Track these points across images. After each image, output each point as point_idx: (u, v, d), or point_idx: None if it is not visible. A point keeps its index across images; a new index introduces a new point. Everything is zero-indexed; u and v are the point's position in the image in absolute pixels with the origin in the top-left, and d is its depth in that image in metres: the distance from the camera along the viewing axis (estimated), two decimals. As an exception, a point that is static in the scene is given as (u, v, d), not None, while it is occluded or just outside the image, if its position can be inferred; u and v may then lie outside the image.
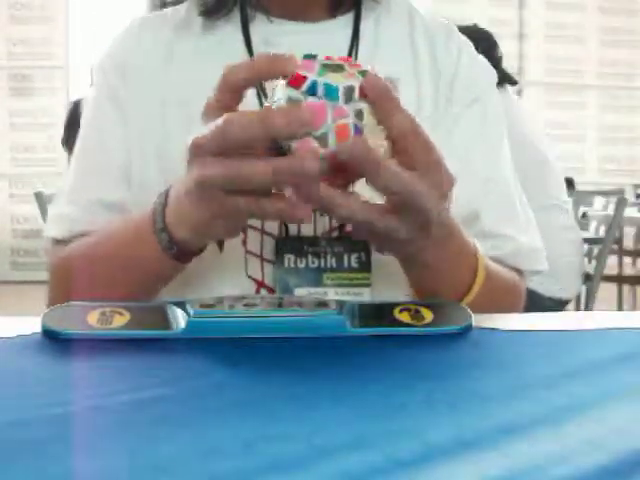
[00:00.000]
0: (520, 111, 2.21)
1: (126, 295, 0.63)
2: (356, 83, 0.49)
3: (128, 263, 0.63)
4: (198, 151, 0.50)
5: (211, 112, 0.51)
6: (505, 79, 2.22)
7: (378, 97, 0.49)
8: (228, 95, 0.51)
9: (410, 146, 0.50)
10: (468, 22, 2.19)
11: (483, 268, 0.63)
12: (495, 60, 2.20)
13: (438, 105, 0.73)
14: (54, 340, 0.44)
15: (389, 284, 0.69)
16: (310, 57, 0.51)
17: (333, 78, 0.49)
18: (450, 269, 0.60)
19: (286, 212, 0.49)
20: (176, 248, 0.58)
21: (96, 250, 0.68)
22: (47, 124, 5.39)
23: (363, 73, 0.49)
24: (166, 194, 0.58)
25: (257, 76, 0.51)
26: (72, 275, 0.69)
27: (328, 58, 0.51)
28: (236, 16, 0.74)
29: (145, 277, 0.63)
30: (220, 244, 0.68)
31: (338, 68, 0.50)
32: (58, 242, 0.74)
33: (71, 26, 5.42)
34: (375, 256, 0.68)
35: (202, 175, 0.50)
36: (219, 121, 0.48)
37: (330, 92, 0.48)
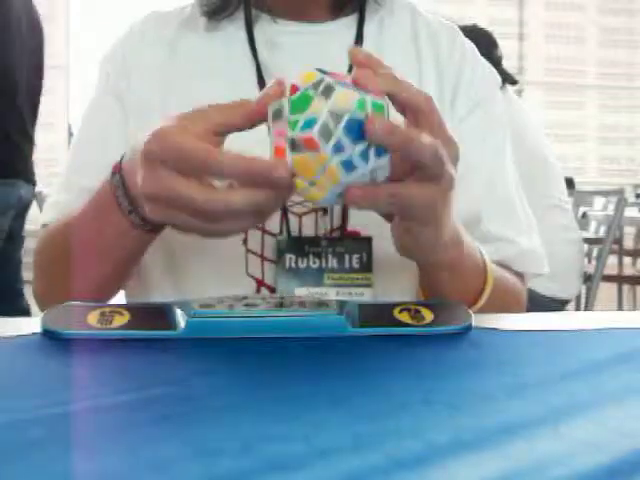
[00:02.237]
0: (520, 111, 2.21)
1: (101, 276, 0.63)
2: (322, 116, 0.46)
3: (100, 236, 0.61)
4: (151, 159, 0.48)
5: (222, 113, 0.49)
6: (505, 79, 2.22)
7: (390, 86, 0.48)
8: (247, 124, 0.49)
9: (424, 122, 0.48)
10: (468, 22, 2.19)
11: (491, 274, 0.63)
12: (495, 60, 2.20)
13: (442, 108, 0.73)
14: (54, 340, 0.44)
15: (390, 284, 0.69)
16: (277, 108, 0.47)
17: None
18: (464, 272, 0.60)
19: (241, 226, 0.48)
20: (149, 226, 0.56)
21: (67, 226, 0.66)
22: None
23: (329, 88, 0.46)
24: (120, 175, 0.55)
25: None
26: (50, 253, 0.69)
27: (293, 89, 0.47)
28: (240, 16, 0.74)
29: (119, 248, 0.61)
30: None
31: (303, 101, 0.46)
32: (44, 227, 0.74)
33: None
34: (376, 256, 0.68)
35: (151, 191, 0.48)
36: (206, 154, 0.46)
37: (309, 145, 0.45)
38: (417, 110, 0.48)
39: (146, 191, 0.49)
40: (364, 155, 0.46)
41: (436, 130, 0.48)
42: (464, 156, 0.65)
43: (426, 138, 0.46)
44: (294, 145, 0.45)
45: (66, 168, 0.76)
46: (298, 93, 0.46)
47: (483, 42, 2.19)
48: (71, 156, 0.77)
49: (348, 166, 0.45)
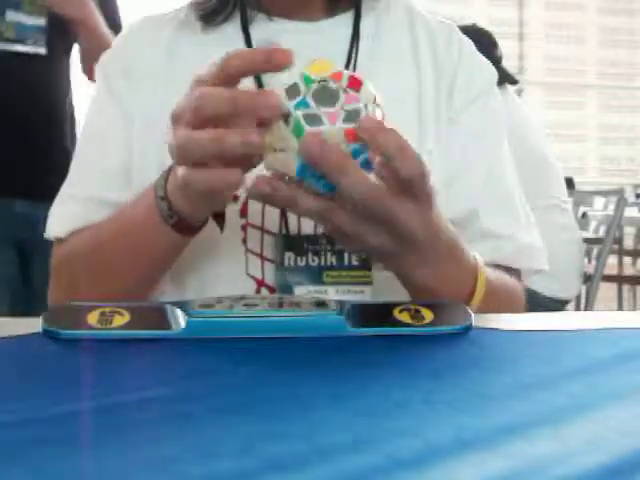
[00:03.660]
0: (520, 111, 2.21)
1: (133, 282, 0.65)
2: (330, 129, 0.48)
3: (131, 240, 0.63)
4: (174, 122, 0.52)
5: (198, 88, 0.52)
6: (505, 79, 2.22)
7: (372, 138, 0.48)
8: (221, 81, 0.51)
9: (397, 162, 0.49)
10: (468, 22, 2.19)
11: (483, 281, 0.62)
12: (495, 60, 2.20)
13: (439, 104, 0.73)
14: (54, 340, 0.44)
15: (390, 282, 0.69)
16: (310, 80, 0.49)
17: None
18: (448, 288, 0.59)
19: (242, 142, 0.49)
20: (176, 218, 0.58)
21: (100, 235, 0.68)
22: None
23: (353, 114, 0.48)
24: (170, 167, 0.59)
25: (253, 67, 0.51)
26: (77, 267, 0.69)
27: (337, 76, 0.49)
28: (236, 16, 0.74)
29: (149, 254, 0.63)
30: (220, 225, 0.69)
31: (331, 96, 0.48)
32: (60, 241, 0.74)
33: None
34: None
35: (170, 141, 0.52)
36: (195, 94, 0.50)
37: (297, 130, 0.48)
38: (408, 181, 0.50)
39: (172, 143, 0.52)
40: (318, 176, 0.49)
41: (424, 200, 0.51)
42: (462, 152, 0.66)
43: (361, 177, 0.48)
44: (287, 118, 0.48)
45: (71, 178, 0.76)
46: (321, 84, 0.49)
47: (483, 42, 2.19)
48: (75, 166, 0.76)
49: (301, 171, 0.49)
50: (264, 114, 0.48)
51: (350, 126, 0.48)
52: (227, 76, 0.50)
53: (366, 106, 0.49)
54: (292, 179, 0.50)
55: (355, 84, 0.49)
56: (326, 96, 0.48)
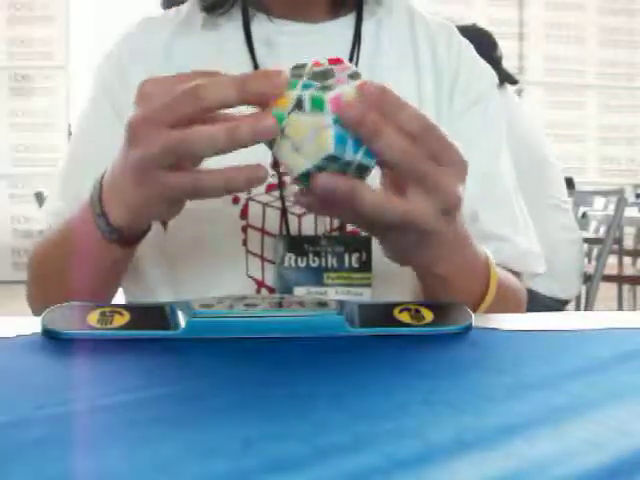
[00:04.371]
0: (520, 111, 2.21)
1: (84, 289, 0.62)
2: (344, 89, 0.47)
3: (78, 247, 0.61)
4: (137, 128, 0.49)
5: (151, 100, 0.48)
6: (505, 79, 2.21)
7: (379, 101, 0.47)
8: (197, 111, 0.47)
9: (427, 140, 0.47)
10: (468, 22, 2.19)
11: (495, 279, 0.62)
12: (495, 60, 2.19)
13: (439, 106, 0.73)
14: (54, 340, 0.44)
15: (390, 284, 0.69)
16: (299, 67, 0.48)
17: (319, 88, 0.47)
18: (465, 280, 0.59)
19: (230, 181, 0.47)
20: (116, 234, 0.56)
21: (48, 243, 0.68)
22: (47, 124, 5.39)
23: (354, 76, 0.48)
24: (101, 179, 0.56)
25: (240, 98, 0.47)
26: (40, 266, 0.70)
27: (317, 64, 0.48)
28: (237, 16, 0.74)
29: (95, 266, 0.61)
30: (164, 224, 0.68)
31: (326, 74, 0.48)
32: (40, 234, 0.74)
33: (71, 26, 5.42)
34: (376, 256, 0.68)
35: (141, 153, 0.48)
36: (183, 87, 0.46)
37: (317, 104, 0.46)
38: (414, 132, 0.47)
39: (136, 154, 0.49)
40: (357, 144, 0.46)
41: (436, 150, 0.48)
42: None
43: (400, 139, 0.46)
44: (299, 103, 0.46)
45: (62, 175, 0.76)
46: (322, 67, 0.48)
47: (483, 42, 2.18)
48: (66, 164, 0.77)
49: (340, 141, 0.46)
50: (273, 92, 0.46)
51: (359, 81, 0.47)
52: (203, 110, 0.47)
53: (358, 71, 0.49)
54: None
55: (337, 61, 0.49)
56: (321, 75, 0.48)
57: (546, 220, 2.08)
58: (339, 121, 0.46)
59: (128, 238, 0.58)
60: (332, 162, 0.46)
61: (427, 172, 0.47)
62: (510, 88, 2.27)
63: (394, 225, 0.48)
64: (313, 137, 0.46)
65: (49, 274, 0.67)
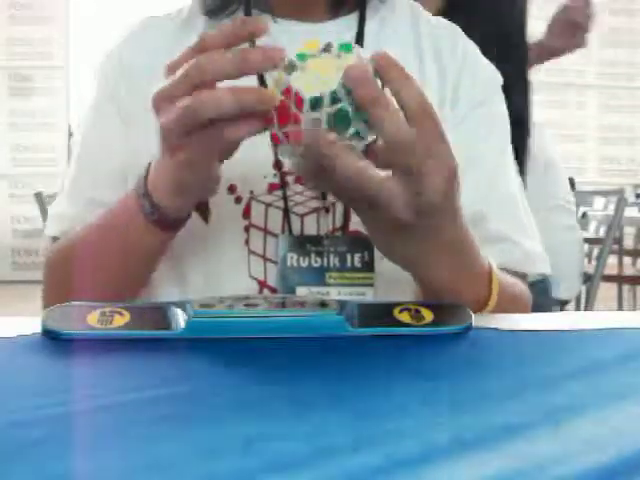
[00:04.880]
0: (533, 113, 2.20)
1: (120, 281, 0.64)
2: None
3: (118, 240, 0.63)
4: (159, 103, 0.52)
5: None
6: None
7: (388, 72, 0.49)
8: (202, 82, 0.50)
9: (421, 125, 0.48)
10: None
11: (497, 286, 0.62)
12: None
13: (443, 107, 0.73)
14: (54, 340, 0.44)
15: (392, 284, 0.69)
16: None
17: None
18: (464, 288, 0.59)
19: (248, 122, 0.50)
20: (157, 214, 0.58)
21: (86, 236, 0.68)
22: (47, 124, 5.39)
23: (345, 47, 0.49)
24: (149, 165, 0.59)
25: (232, 40, 0.51)
26: (68, 266, 0.69)
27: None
28: (240, 16, 0.74)
29: (135, 252, 0.63)
30: (204, 216, 0.68)
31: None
32: (55, 240, 0.74)
33: (71, 26, 5.42)
34: (378, 256, 0.68)
35: (164, 123, 0.51)
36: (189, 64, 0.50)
37: (345, 47, 0.49)
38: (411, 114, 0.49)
39: (161, 125, 0.52)
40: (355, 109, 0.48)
41: (425, 136, 0.49)
42: (466, 155, 0.65)
43: (396, 113, 0.48)
44: (327, 48, 0.49)
45: (69, 179, 0.76)
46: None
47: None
48: (73, 167, 0.76)
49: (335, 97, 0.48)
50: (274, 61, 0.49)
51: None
52: (205, 84, 0.51)
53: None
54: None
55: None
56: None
57: (551, 221, 2.07)
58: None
59: (170, 221, 0.59)
60: (346, 97, 0.48)
61: (414, 158, 0.48)
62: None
63: (369, 200, 0.49)
64: (337, 71, 0.48)
65: (77, 271, 0.67)
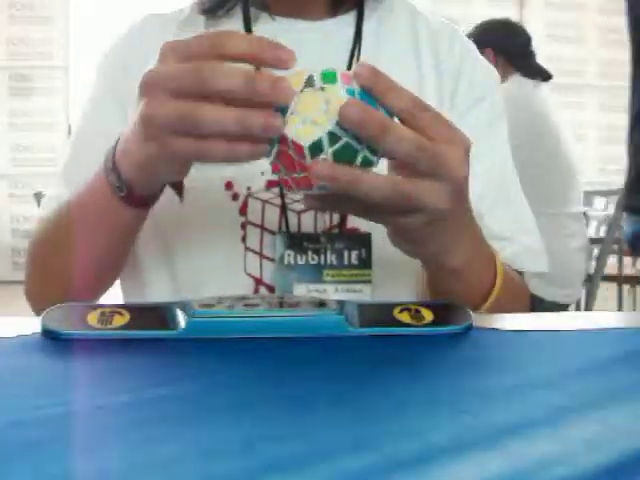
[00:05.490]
0: (556, 113, 2.19)
1: (94, 256, 0.63)
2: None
3: (92, 216, 0.61)
4: (152, 87, 0.48)
5: (173, 57, 0.48)
6: (538, 74, 2.19)
7: (371, 83, 0.47)
8: (207, 56, 0.47)
9: (420, 121, 0.47)
10: (467, 22, 2.18)
11: (501, 272, 0.62)
12: (530, 54, 2.17)
13: (442, 106, 0.73)
14: (54, 340, 0.44)
15: (390, 281, 0.69)
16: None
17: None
18: (476, 273, 0.59)
19: (236, 151, 0.46)
20: (125, 189, 0.56)
21: (63, 212, 0.67)
22: (47, 124, 5.39)
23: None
24: (117, 140, 0.56)
25: (254, 55, 0.47)
26: (45, 245, 0.69)
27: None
28: (239, 14, 0.74)
29: (110, 228, 0.61)
30: (179, 192, 0.68)
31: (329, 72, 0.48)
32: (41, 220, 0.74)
33: (71, 26, 5.42)
34: (376, 253, 0.68)
35: (151, 113, 0.48)
36: (201, 63, 0.46)
37: (329, 77, 0.47)
38: (405, 112, 0.48)
39: (145, 112, 0.48)
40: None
41: (432, 129, 0.48)
42: None
43: (406, 131, 0.46)
44: (310, 81, 0.46)
45: (64, 164, 0.76)
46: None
47: (520, 37, 2.17)
48: (69, 152, 0.77)
49: None
50: (281, 100, 0.45)
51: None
52: (221, 56, 0.47)
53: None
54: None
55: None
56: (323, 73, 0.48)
57: (565, 227, 2.07)
58: (352, 92, 0.46)
59: (139, 197, 0.57)
60: (344, 132, 0.46)
61: (432, 154, 0.47)
62: (544, 86, 2.23)
63: (404, 209, 0.48)
64: (326, 107, 0.46)
65: (55, 250, 0.67)
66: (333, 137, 0.46)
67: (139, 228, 0.63)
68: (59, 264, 0.65)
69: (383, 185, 0.46)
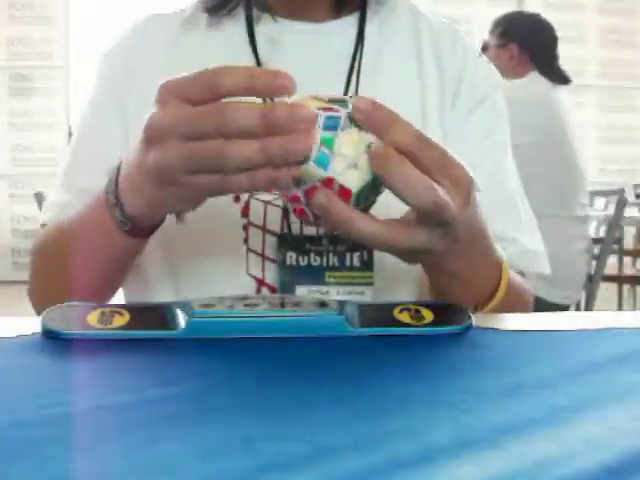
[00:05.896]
0: (573, 118, 2.18)
1: (89, 280, 0.63)
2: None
3: (89, 243, 0.61)
4: (159, 133, 0.47)
5: (170, 100, 0.47)
6: (559, 78, 2.17)
7: (369, 117, 0.46)
8: (207, 95, 0.46)
9: (422, 157, 0.47)
10: (467, 22, 2.17)
11: (506, 275, 0.62)
12: (554, 56, 2.14)
13: (443, 107, 0.73)
14: (54, 340, 0.44)
15: (392, 282, 0.69)
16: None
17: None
18: (476, 278, 0.59)
19: (257, 180, 0.46)
20: (130, 224, 0.56)
21: (63, 232, 0.67)
22: (47, 124, 5.39)
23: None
24: (117, 171, 0.55)
25: (249, 88, 0.45)
26: (48, 256, 0.69)
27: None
28: (241, 15, 0.74)
29: (108, 253, 0.61)
30: (180, 218, 0.68)
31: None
32: (43, 227, 0.74)
33: (71, 26, 5.42)
34: (377, 255, 0.68)
35: (166, 160, 0.47)
36: (213, 105, 0.45)
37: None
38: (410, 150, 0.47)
39: (160, 161, 0.47)
40: None
41: (436, 169, 0.47)
42: (466, 155, 0.65)
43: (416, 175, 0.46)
44: (350, 119, 0.46)
45: (65, 168, 0.76)
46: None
47: (547, 34, 2.15)
48: (70, 156, 0.77)
49: None
50: (303, 127, 0.44)
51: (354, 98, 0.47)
52: (222, 95, 0.46)
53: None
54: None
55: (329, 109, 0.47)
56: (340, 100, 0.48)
57: (571, 230, 2.07)
58: None
59: (142, 229, 0.57)
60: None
61: (434, 205, 0.46)
62: (564, 90, 2.21)
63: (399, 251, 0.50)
64: (365, 157, 0.46)
65: (55, 263, 0.67)
66: (376, 184, 0.47)
67: (141, 251, 0.63)
68: (60, 278, 0.65)
69: (375, 232, 0.47)
